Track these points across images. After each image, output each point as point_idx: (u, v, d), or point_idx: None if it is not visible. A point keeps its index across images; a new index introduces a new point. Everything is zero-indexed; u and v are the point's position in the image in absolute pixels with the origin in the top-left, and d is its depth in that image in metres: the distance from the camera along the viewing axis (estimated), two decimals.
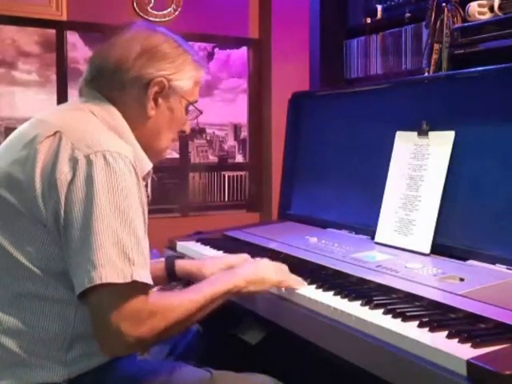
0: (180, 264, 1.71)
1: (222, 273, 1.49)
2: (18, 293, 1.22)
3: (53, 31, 2.61)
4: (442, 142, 1.79)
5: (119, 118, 1.35)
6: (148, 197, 1.34)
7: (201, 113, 1.52)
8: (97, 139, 1.22)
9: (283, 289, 1.52)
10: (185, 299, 1.28)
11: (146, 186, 1.37)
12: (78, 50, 2.66)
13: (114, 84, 1.37)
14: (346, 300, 1.41)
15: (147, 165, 1.39)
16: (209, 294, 1.32)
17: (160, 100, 1.39)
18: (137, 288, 1.16)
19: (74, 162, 1.18)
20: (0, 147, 1.36)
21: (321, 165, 2.33)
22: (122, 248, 1.15)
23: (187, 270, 1.69)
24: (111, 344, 1.18)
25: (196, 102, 1.48)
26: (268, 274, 1.49)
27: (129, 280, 1.14)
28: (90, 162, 1.17)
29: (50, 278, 1.21)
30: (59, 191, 1.17)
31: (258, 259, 1.60)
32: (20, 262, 1.21)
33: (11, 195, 1.21)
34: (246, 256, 1.70)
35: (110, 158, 1.19)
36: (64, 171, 1.17)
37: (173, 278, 1.69)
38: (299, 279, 1.53)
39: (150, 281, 1.19)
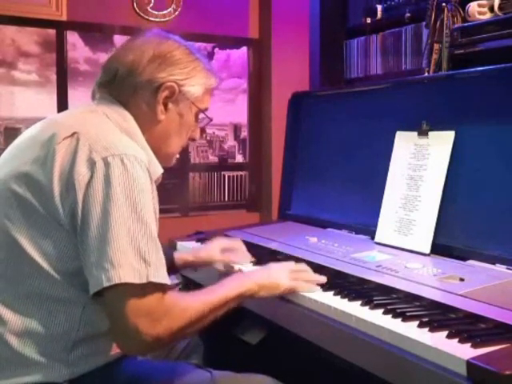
0: (178, 255, 1.76)
1: (236, 275, 1.49)
2: (27, 291, 1.23)
3: (53, 31, 2.60)
4: (442, 142, 1.79)
5: (131, 121, 1.37)
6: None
7: (211, 120, 1.53)
8: (113, 142, 1.24)
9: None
10: (199, 300, 1.29)
11: None
12: (78, 50, 2.65)
13: (126, 87, 1.38)
14: (346, 300, 1.41)
15: (158, 169, 1.40)
16: (223, 296, 1.33)
17: (170, 105, 1.40)
18: (153, 288, 1.18)
19: (91, 163, 1.20)
20: (13, 147, 1.37)
21: (321, 165, 2.33)
22: (138, 249, 1.17)
23: (185, 260, 1.75)
24: (129, 342, 1.20)
25: (207, 109, 1.49)
26: (281, 279, 1.48)
27: (145, 281, 1.16)
28: (107, 165, 1.19)
29: (61, 277, 1.22)
30: (77, 192, 1.18)
31: (271, 264, 1.57)
32: (33, 260, 1.22)
33: (30, 194, 1.23)
34: (239, 242, 1.80)
35: (127, 161, 1.21)
36: (82, 172, 1.19)
37: (172, 271, 1.70)
38: (312, 285, 1.50)
39: (166, 280, 1.21)
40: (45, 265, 1.21)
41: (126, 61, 1.39)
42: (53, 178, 1.20)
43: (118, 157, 1.20)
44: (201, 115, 1.49)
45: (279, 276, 1.48)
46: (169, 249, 1.83)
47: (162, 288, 1.20)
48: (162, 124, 1.41)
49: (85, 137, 1.23)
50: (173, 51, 1.40)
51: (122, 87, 1.39)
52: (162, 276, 1.19)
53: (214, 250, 1.77)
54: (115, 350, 1.32)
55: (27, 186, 1.23)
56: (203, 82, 1.44)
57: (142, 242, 1.18)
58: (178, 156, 1.53)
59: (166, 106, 1.40)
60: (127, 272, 1.15)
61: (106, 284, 1.15)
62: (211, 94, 1.50)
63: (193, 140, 1.53)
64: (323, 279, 1.52)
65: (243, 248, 1.81)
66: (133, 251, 1.16)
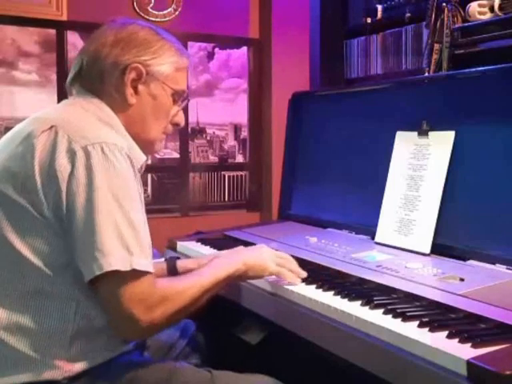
0: (181, 264, 1.73)
1: (224, 257, 1.52)
2: (24, 291, 1.23)
3: (53, 31, 2.60)
4: (442, 142, 1.79)
5: (108, 110, 1.37)
6: (148, 196, 1.35)
7: (188, 100, 1.51)
8: (92, 131, 1.25)
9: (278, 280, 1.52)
10: (190, 284, 1.32)
11: (146, 183, 1.39)
12: (78, 50, 2.65)
13: (95, 76, 1.39)
14: (346, 300, 1.41)
15: (141, 156, 1.39)
16: (213, 277, 1.37)
17: (140, 87, 1.39)
18: (140, 275, 1.20)
19: (71, 153, 1.21)
20: None
21: (321, 165, 2.33)
22: (121, 238, 1.19)
23: (188, 268, 1.69)
24: (125, 329, 1.23)
25: (183, 91, 1.47)
26: (268, 262, 1.52)
27: (129, 268, 1.18)
28: (87, 154, 1.21)
29: (51, 271, 1.23)
30: (60, 183, 1.20)
31: (260, 245, 1.62)
32: (27, 258, 1.22)
33: (13, 190, 1.23)
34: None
35: (107, 149, 1.22)
36: (63, 163, 1.20)
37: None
38: (298, 273, 1.56)
39: (149, 268, 1.22)
40: (38, 261, 1.22)
41: (90, 50, 1.40)
42: (34, 172, 1.21)
43: (98, 145, 1.21)
44: (182, 100, 1.47)
45: (267, 259, 1.53)
46: (172, 257, 1.81)
47: (149, 275, 1.21)
48: (135, 108, 1.39)
49: (63, 129, 1.24)
50: (136, 33, 1.40)
51: (91, 77, 1.39)
52: (144, 264, 1.21)
53: None
54: (115, 348, 1.32)
55: (9, 183, 1.24)
56: (172, 61, 1.42)
57: (123, 230, 1.19)
58: (162, 144, 1.50)
59: (135, 88, 1.39)
60: (115, 260, 1.17)
61: (97, 272, 1.17)
62: (186, 74, 1.48)
63: (177, 125, 1.50)
64: (304, 274, 1.57)
65: None
66: (117, 239, 1.18)
